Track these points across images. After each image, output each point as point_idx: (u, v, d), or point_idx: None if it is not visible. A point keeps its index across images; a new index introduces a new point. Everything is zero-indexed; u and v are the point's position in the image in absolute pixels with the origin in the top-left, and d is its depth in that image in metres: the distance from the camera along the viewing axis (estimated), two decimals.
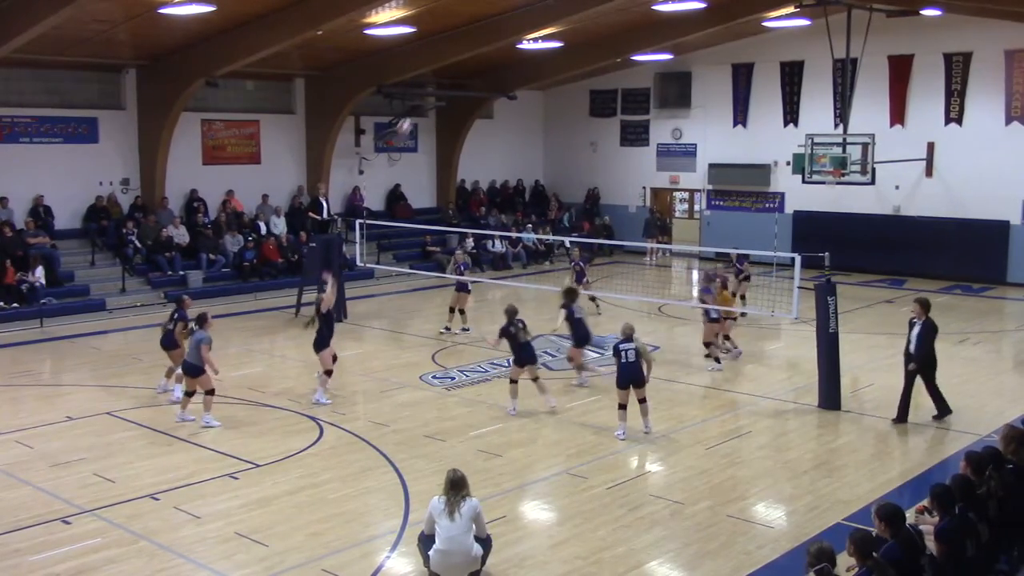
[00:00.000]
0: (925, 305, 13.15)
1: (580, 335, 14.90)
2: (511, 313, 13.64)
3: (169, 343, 14.32)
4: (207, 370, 12.61)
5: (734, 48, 28.59)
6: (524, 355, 13.38)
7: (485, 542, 8.32)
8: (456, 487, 8.14)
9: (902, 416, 13.11)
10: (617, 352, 12.41)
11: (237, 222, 24.57)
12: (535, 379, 13.39)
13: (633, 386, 12.39)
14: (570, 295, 15.07)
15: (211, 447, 12.05)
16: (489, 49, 24.06)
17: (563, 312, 15.06)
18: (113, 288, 21.73)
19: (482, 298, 23.29)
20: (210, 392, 12.68)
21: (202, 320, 12.89)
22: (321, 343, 13.78)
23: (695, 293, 21.28)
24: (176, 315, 14.46)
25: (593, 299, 20.66)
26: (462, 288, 18.94)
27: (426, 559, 8.22)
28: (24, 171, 21.71)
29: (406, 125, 26.14)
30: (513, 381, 13.44)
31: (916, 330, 13.05)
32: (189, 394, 12.84)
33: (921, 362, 13.02)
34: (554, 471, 11.32)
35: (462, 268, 19.44)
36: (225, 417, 13.44)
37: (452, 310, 18.96)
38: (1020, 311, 22.14)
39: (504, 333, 13.50)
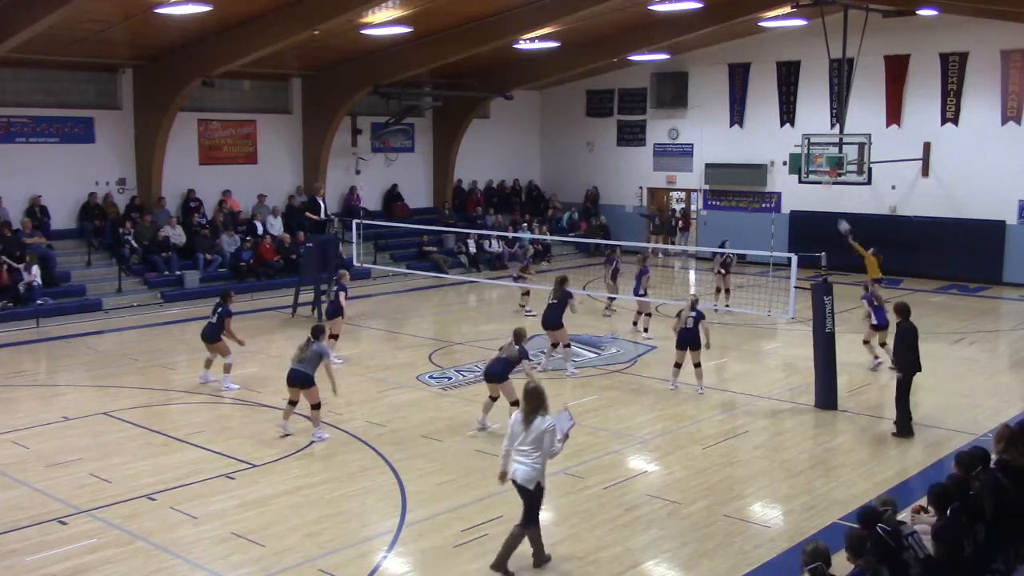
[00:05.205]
0: (898, 309, 12.80)
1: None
2: (694, 301, 14.53)
3: (211, 335, 14.78)
4: (324, 381, 12.24)
5: (731, 48, 28.62)
6: (681, 338, 14.35)
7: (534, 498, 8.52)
8: (530, 399, 8.51)
9: (903, 428, 12.68)
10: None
11: (234, 222, 24.56)
12: (697, 364, 14.44)
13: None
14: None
15: (208, 447, 12.04)
16: (486, 49, 24.05)
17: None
18: (109, 288, 21.71)
19: (481, 298, 23.34)
20: (316, 406, 12.29)
21: (319, 332, 12.50)
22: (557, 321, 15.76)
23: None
24: (220, 309, 14.81)
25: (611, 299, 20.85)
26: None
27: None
28: (20, 171, 21.66)
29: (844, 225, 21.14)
30: (677, 364, 14.61)
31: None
32: (293, 403, 12.43)
33: (898, 367, 12.77)
34: (551, 471, 11.17)
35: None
36: (222, 417, 13.46)
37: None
38: (1016, 311, 22.18)
39: (678, 316, 14.60)
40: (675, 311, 15.09)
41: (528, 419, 8.44)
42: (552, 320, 15.94)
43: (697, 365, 14.37)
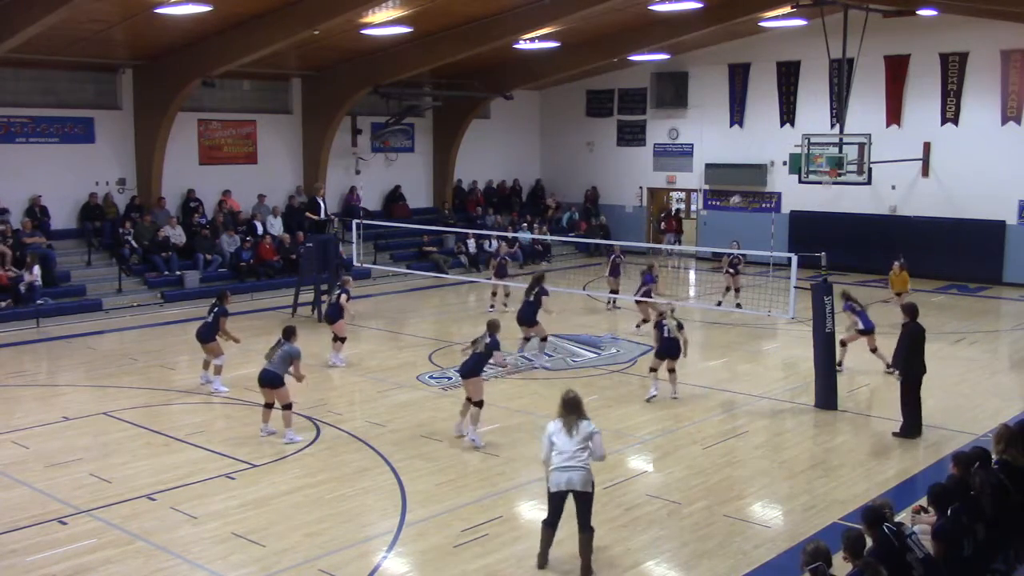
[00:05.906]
0: (906, 310, 12.71)
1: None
2: (670, 309, 14.54)
3: (206, 335, 14.62)
4: (289, 380, 12.22)
5: (731, 48, 28.61)
6: (662, 348, 14.16)
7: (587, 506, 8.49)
8: (570, 407, 8.57)
9: (909, 430, 12.57)
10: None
11: (234, 222, 24.55)
12: (671, 370, 14.28)
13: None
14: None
15: (208, 447, 12.04)
16: (486, 49, 24.05)
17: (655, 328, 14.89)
18: (109, 288, 21.71)
19: (481, 298, 23.30)
20: (287, 407, 12.26)
21: (290, 333, 12.40)
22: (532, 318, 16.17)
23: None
24: (216, 309, 14.70)
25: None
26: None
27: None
28: (20, 171, 21.67)
29: None
30: (652, 369, 14.37)
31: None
32: (268, 405, 12.40)
33: (898, 369, 12.75)
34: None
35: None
36: (221, 417, 13.46)
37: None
38: (1016, 311, 22.18)
39: (657, 326, 14.47)
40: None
41: (570, 424, 8.54)
42: (526, 316, 16.18)
43: (672, 371, 14.20)
